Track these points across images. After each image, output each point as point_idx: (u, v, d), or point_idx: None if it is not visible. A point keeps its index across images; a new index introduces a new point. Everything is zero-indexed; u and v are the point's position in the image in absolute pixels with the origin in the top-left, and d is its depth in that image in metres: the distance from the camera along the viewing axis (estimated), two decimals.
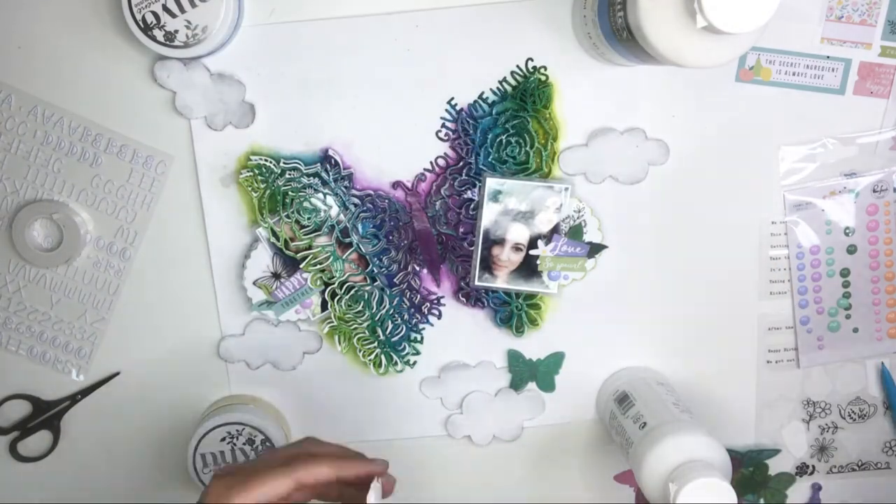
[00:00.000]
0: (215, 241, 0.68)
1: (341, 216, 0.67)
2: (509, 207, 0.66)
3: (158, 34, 0.60)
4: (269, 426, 0.68)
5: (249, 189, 0.66)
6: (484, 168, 0.67)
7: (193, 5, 0.60)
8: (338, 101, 0.66)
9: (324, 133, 0.66)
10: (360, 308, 0.69)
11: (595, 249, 0.68)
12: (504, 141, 0.66)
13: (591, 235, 0.68)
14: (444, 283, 0.69)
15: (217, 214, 0.67)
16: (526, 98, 0.65)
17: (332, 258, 0.68)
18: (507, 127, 0.66)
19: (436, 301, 0.70)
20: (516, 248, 0.67)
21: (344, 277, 0.68)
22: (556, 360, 0.71)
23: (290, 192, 0.66)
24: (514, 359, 0.70)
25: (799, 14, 0.65)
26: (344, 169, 0.66)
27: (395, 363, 0.70)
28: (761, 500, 0.75)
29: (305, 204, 0.66)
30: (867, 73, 0.66)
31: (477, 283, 0.68)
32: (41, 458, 0.71)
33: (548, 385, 0.71)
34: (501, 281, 0.68)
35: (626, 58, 0.59)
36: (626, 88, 0.66)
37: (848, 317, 0.70)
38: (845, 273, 0.70)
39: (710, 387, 0.72)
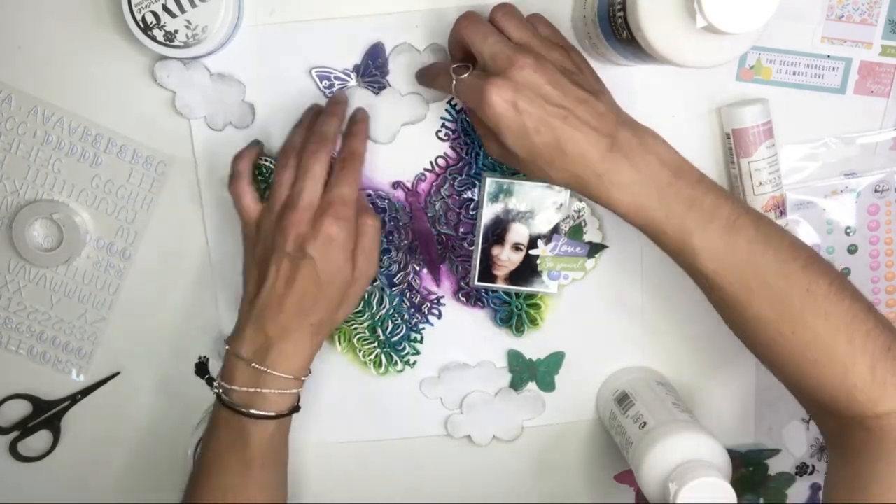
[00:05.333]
0: (215, 241, 0.68)
1: None
2: (509, 207, 0.66)
3: (158, 34, 0.60)
4: None
5: None
6: (484, 168, 0.67)
7: (193, 5, 0.60)
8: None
9: None
10: (360, 308, 0.69)
11: (595, 249, 0.68)
12: None
13: (591, 235, 0.68)
14: (444, 283, 0.69)
15: (217, 214, 0.67)
16: None
17: None
18: None
19: (436, 301, 0.70)
20: (516, 248, 0.67)
21: None
22: (556, 360, 0.71)
23: None
24: (514, 359, 0.70)
25: (799, 13, 0.65)
26: None
27: (395, 363, 0.70)
28: (761, 500, 0.75)
29: None
30: (867, 73, 0.66)
31: (477, 283, 0.68)
32: (41, 458, 0.71)
33: (548, 385, 0.71)
34: (501, 281, 0.68)
35: (626, 58, 0.59)
36: (626, 88, 0.66)
37: None
38: (846, 273, 0.70)
39: (710, 387, 0.72)
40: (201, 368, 0.64)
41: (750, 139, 0.64)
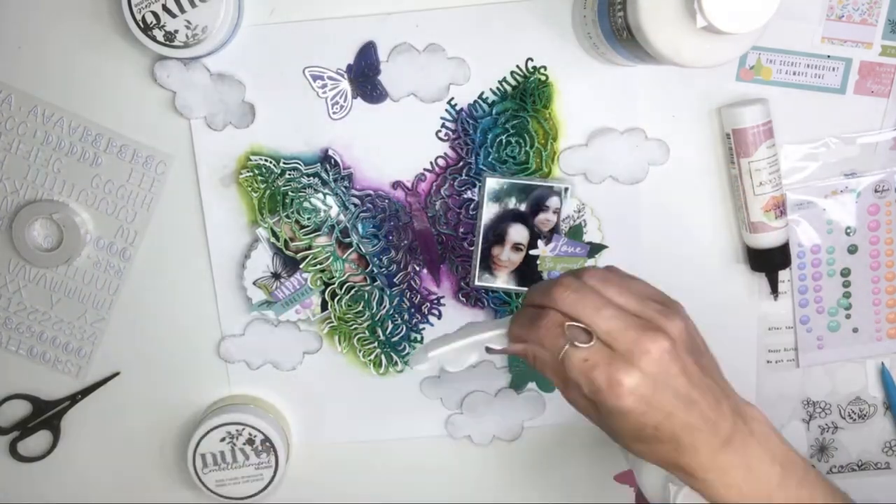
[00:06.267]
0: (215, 241, 0.68)
1: (341, 216, 0.67)
2: (509, 207, 0.66)
3: (158, 34, 0.60)
4: (269, 426, 0.68)
5: (249, 189, 0.66)
6: (484, 168, 0.67)
7: (193, 5, 0.60)
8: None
9: (324, 133, 0.66)
10: (360, 308, 0.69)
11: (595, 249, 0.68)
12: (504, 141, 0.66)
13: (591, 235, 0.68)
14: (444, 283, 0.69)
15: (217, 214, 0.67)
16: (526, 98, 0.65)
17: (332, 258, 0.68)
18: (507, 127, 0.66)
19: (436, 301, 0.70)
20: (516, 248, 0.67)
21: (344, 277, 0.68)
22: None
23: (290, 192, 0.66)
24: (515, 359, 0.70)
25: (799, 13, 0.65)
26: (344, 169, 0.66)
27: (395, 363, 0.70)
28: None
29: (305, 204, 0.67)
30: (868, 73, 0.66)
31: (477, 283, 0.68)
32: (41, 458, 0.71)
33: (548, 385, 0.71)
34: (501, 281, 0.68)
35: (626, 58, 0.59)
36: (626, 88, 0.66)
37: (848, 317, 0.70)
38: (846, 273, 0.70)
39: None
40: None
41: (750, 139, 0.64)
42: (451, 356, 0.52)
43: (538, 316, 0.47)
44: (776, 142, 0.65)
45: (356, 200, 0.67)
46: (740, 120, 0.64)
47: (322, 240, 0.67)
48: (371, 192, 0.67)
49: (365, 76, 0.65)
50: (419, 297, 0.69)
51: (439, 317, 0.70)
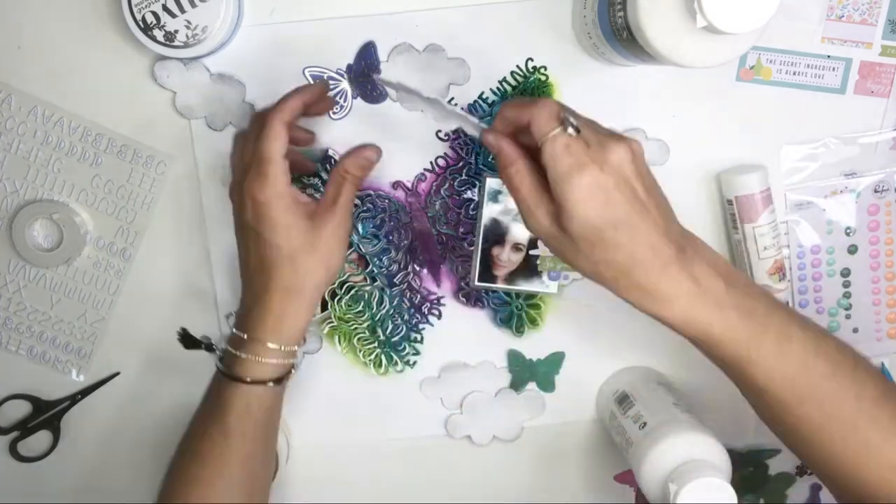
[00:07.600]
0: (215, 241, 0.68)
1: None
2: (509, 207, 0.66)
3: (158, 34, 0.60)
4: None
5: None
6: (484, 168, 0.67)
7: (193, 5, 0.60)
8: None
9: (324, 133, 0.66)
10: (360, 308, 0.69)
11: None
12: None
13: None
14: (444, 283, 0.69)
15: (217, 214, 0.67)
16: None
17: None
18: None
19: (436, 301, 0.70)
20: (516, 248, 0.67)
21: (344, 277, 0.68)
22: (556, 360, 0.71)
23: None
24: (514, 359, 0.70)
25: (799, 13, 0.65)
26: None
27: (395, 363, 0.70)
28: (761, 500, 0.75)
29: None
30: (868, 73, 0.66)
31: (477, 283, 0.68)
32: (41, 458, 0.71)
33: (548, 385, 0.71)
34: (501, 281, 0.68)
35: (626, 58, 0.59)
36: (626, 88, 0.66)
37: (848, 317, 0.70)
38: (846, 273, 0.70)
39: (710, 387, 0.71)
40: (187, 339, 0.63)
41: (753, 205, 0.64)
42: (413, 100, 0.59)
43: (534, 102, 0.50)
44: (777, 142, 0.65)
45: (356, 200, 0.67)
46: (744, 187, 0.64)
47: None
48: (371, 192, 0.67)
49: (365, 76, 0.65)
50: (419, 297, 0.69)
51: (439, 317, 0.70)
